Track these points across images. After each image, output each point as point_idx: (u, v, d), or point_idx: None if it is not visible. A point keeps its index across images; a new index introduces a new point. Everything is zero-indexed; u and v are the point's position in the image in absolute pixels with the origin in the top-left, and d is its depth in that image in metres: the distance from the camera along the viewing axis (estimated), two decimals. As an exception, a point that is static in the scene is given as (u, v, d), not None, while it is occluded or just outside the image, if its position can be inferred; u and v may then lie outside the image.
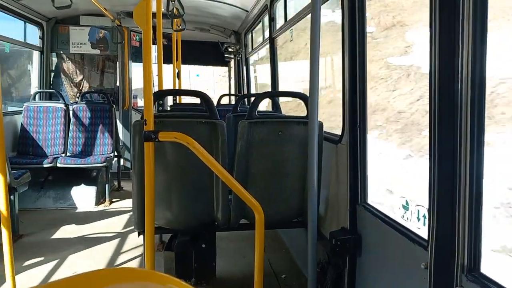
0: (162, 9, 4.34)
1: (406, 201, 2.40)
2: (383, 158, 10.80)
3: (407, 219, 2.37)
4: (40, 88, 7.49)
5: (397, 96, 13.82)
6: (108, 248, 4.66)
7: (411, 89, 13.74)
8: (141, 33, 8.13)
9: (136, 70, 8.41)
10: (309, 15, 2.79)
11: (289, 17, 4.85)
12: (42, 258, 4.30)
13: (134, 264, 4.29)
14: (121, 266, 4.03)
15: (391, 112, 13.33)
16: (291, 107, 11.63)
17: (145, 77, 2.74)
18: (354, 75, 2.82)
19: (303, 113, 3.20)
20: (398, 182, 9.29)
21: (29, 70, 8.03)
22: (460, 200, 1.76)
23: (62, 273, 4.06)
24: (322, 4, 2.71)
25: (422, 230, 2.17)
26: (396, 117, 12.95)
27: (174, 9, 5.04)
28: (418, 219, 2.27)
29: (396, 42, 15.92)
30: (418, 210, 2.26)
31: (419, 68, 14.07)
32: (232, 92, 9.44)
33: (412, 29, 15.85)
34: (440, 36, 1.79)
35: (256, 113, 3.23)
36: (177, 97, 7.41)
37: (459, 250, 1.78)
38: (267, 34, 5.88)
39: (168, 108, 6.98)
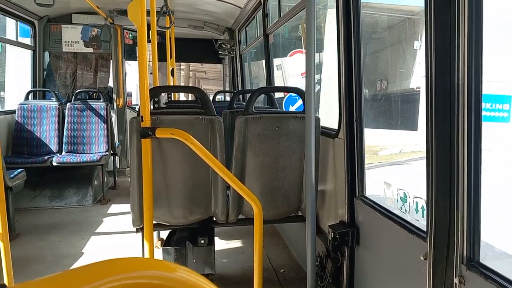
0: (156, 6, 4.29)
1: (404, 193, 2.42)
2: None
3: (406, 211, 2.38)
4: (33, 87, 7.44)
5: None
6: (105, 246, 4.64)
7: None
8: (134, 31, 8.11)
9: (129, 68, 8.36)
10: (304, 10, 2.78)
11: (283, 12, 4.84)
12: (39, 257, 4.29)
13: (132, 261, 4.27)
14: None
15: None
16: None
17: (140, 73, 2.72)
18: (350, 69, 2.82)
19: None
20: None
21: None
22: (458, 191, 1.78)
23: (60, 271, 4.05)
24: (317, -1, 2.70)
25: (420, 222, 2.19)
26: None
27: (164, 6, 5.02)
28: (416, 211, 2.28)
29: None
30: (417, 202, 2.28)
31: None
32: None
33: None
34: (436, 32, 1.79)
35: (253, 109, 3.23)
36: (172, 94, 7.39)
37: (458, 241, 1.79)
38: (261, 31, 5.86)
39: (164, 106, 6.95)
